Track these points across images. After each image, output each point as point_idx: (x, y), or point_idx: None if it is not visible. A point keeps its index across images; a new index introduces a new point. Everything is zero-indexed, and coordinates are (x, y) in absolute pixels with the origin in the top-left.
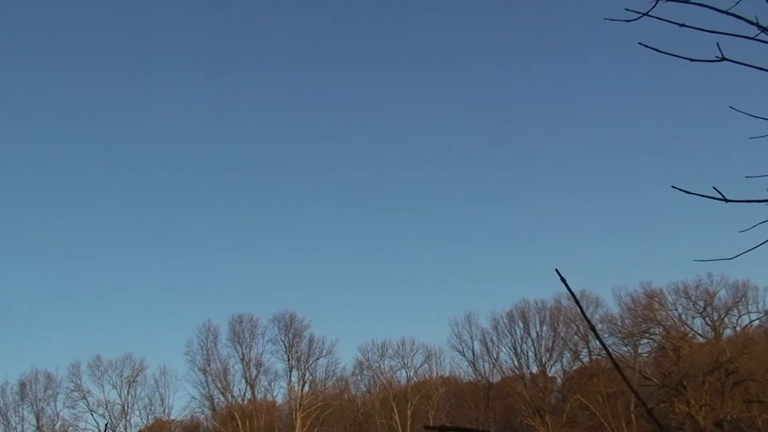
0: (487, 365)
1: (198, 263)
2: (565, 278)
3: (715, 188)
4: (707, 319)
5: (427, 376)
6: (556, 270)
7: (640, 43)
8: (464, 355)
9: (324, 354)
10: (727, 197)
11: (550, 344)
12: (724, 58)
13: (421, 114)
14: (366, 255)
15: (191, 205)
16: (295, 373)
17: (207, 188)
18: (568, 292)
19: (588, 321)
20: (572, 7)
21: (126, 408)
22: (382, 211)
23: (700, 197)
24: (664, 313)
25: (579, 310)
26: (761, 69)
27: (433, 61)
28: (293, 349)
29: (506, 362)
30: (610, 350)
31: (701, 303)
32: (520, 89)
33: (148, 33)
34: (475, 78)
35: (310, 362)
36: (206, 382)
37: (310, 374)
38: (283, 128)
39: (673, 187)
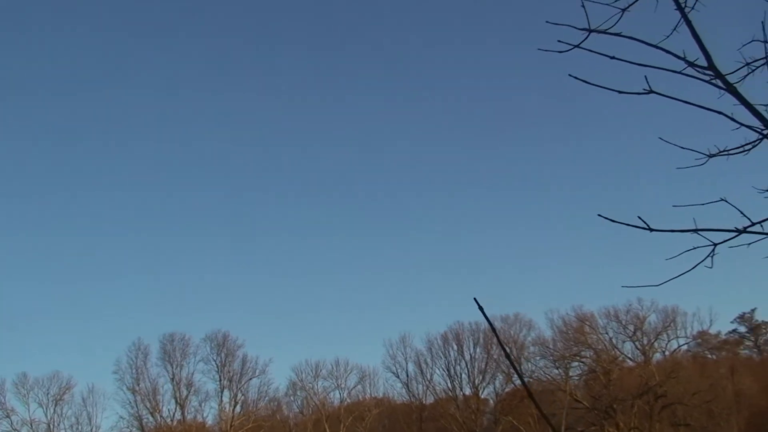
0: (420, 387)
1: (129, 281)
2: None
3: (639, 218)
4: (637, 343)
5: (360, 397)
6: (475, 299)
7: (569, 75)
8: (398, 377)
9: (257, 374)
10: (653, 227)
11: (484, 366)
12: (651, 91)
13: (375, 138)
14: (301, 275)
15: (119, 221)
16: (226, 393)
17: (136, 203)
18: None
19: (503, 348)
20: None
21: (52, 427)
22: (317, 232)
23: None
24: (595, 336)
25: (497, 338)
26: (686, 102)
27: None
28: (225, 368)
29: (440, 384)
30: (524, 376)
31: (631, 327)
32: (455, 117)
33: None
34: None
35: (243, 382)
36: (135, 401)
37: (242, 395)
38: (215, 138)
39: (599, 215)
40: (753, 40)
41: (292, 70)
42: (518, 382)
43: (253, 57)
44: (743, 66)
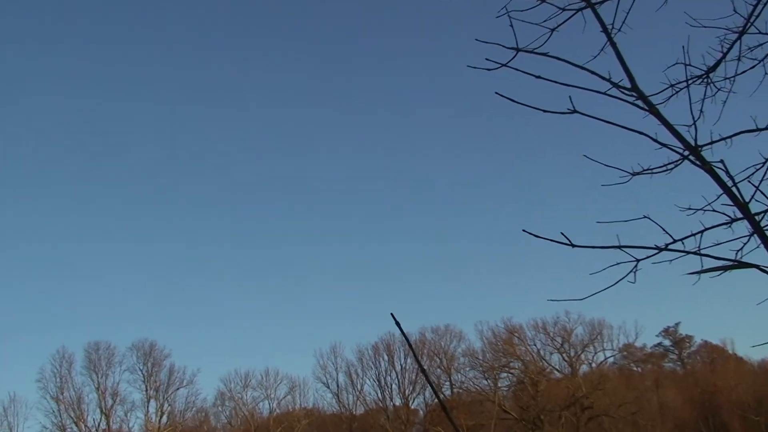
0: (351, 397)
1: (53, 288)
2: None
3: (562, 233)
4: (564, 355)
5: (290, 407)
6: (391, 314)
7: (496, 93)
8: (328, 387)
9: (184, 384)
10: (578, 242)
11: (414, 377)
12: (575, 111)
13: (304, 153)
14: (231, 283)
15: (42, 228)
16: (152, 403)
17: (58, 209)
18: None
19: (419, 363)
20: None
21: None
22: (246, 240)
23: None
24: (523, 348)
25: (412, 352)
26: (609, 122)
27: None
28: (152, 378)
29: (370, 394)
30: (439, 391)
31: (559, 339)
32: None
33: None
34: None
35: (170, 392)
36: (59, 411)
37: (169, 405)
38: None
39: (523, 230)
40: (677, 63)
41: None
42: (447, 393)
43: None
44: (667, 88)
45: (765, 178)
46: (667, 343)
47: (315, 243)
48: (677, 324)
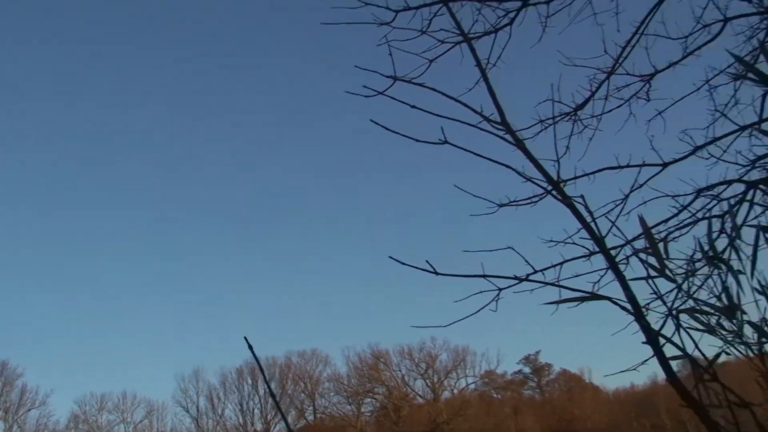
0: (211, 422)
1: None
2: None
3: (427, 261)
4: (428, 381)
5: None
6: (245, 338)
7: (371, 120)
8: (188, 411)
9: (36, 405)
10: (445, 270)
11: (278, 402)
12: (446, 141)
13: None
14: (88, 301)
15: None
16: (1, 424)
17: None
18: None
19: (269, 387)
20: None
21: None
22: (105, 254)
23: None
24: (388, 373)
25: (263, 376)
26: (477, 155)
27: None
28: (2, 398)
29: (231, 419)
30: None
31: (423, 365)
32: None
33: None
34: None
35: (20, 414)
36: None
37: (19, 427)
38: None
39: (390, 257)
40: (547, 100)
41: None
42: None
43: None
44: (537, 123)
45: (621, 213)
46: (527, 370)
47: (180, 259)
48: (537, 352)
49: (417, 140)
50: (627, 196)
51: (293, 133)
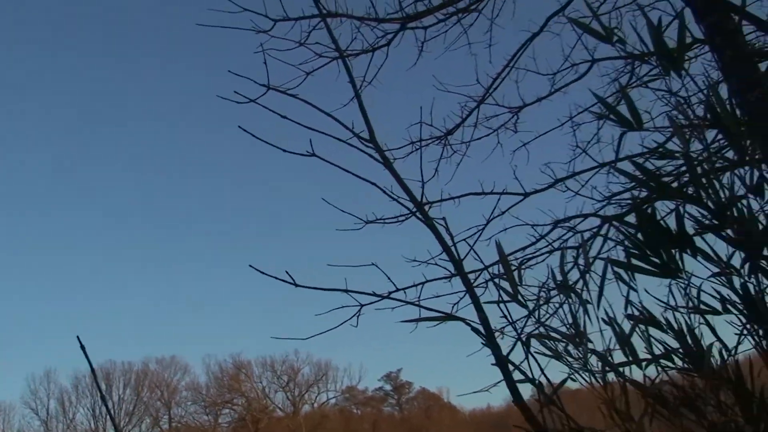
0: (61, 425)
1: None
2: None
3: (287, 272)
4: (289, 393)
5: None
6: (77, 337)
7: (239, 126)
8: (37, 414)
9: None
10: (299, 282)
11: (132, 408)
12: (313, 154)
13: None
14: None
15: None
16: None
17: None
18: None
19: (100, 391)
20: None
21: None
22: None
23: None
24: (249, 384)
25: (95, 381)
26: (345, 170)
27: None
28: None
29: (83, 424)
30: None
31: (285, 378)
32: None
33: None
34: None
35: None
36: None
37: None
38: None
39: (250, 266)
40: (419, 122)
41: None
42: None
43: None
44: (408, 144)
45: (481, 238)
46: (388, 387)
47: (36, 254)
48: (399, 370)
49: (284, 150)
50: (488, 222)
51: (158, 132)
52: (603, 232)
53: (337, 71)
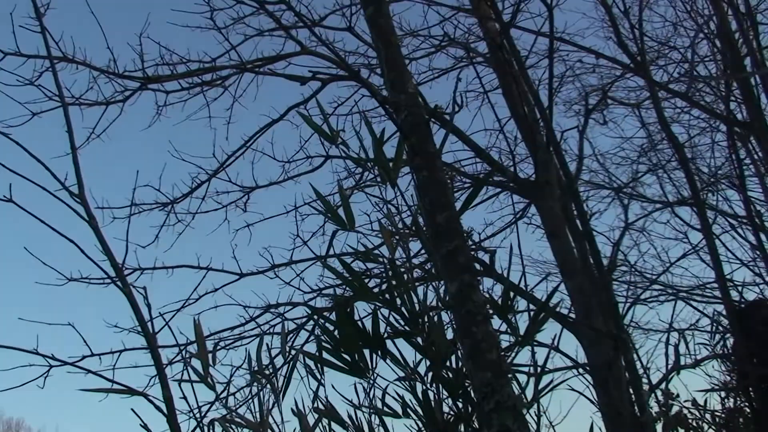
0: None
1: None
2: None
3: None
4: None
5: None
6: None
7: None
8: None
9: None
10: None
11: None
12: (10, 200)
13: None
14: None
15: None
16: None
17: None
18: None
19: None
20: None
21: None
22: None
23: None
24: None
25: None
26: (42, 221)
27: None
28: None
29: None
30: None
31: None
32: None
33: None
34: None
35: None
36: None
37: None
38: None
39: None
40: (147, 185)
41: None
42: None
43: None
44: (128, 206)
45: (192, 312)
46: None
47: None
48: None
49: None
50: (199, 298)
51: None
52: (310, 324)
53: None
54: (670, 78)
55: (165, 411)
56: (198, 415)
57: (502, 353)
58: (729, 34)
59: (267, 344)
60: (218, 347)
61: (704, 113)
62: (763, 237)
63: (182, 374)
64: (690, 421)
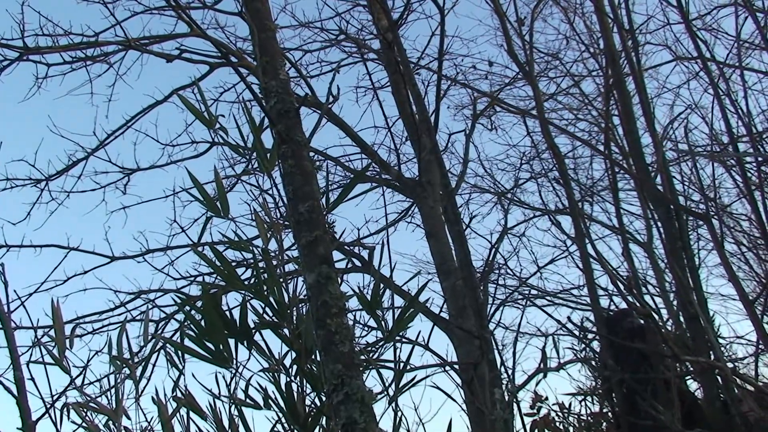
0: None
1: None
2: None
3: None
4: None
5: None
6: None
7: None
8: None
9: None
10: None
11: None
12: None
13: None
14: None
15: None
16: None
17: None
18: None
19: None
20: None
21: None
22: None
23: None
24: None
25: None
26: None
27: None
28: None
29: None
30: None
31: None
32: None
33: None
34: None
35: None
36: None
37: None
38: None
39: None
40: (21, 159)
41: None
42: None
43: None
44: (2, 180)
45: (58, 295)
46: None
47: None
48: None
49: None
50: (66, 280)
51: None
52: (181, 315)
53: None
54: (558, 90)
55: (14, 393)
56: (50, 399)
57: (365, 347)
58: (613, 51)
59: (134, 331)
60: (84, 332)
61: (587, 124)
62: (636, 248)
63: (33, 356)
64: (557, 423)
